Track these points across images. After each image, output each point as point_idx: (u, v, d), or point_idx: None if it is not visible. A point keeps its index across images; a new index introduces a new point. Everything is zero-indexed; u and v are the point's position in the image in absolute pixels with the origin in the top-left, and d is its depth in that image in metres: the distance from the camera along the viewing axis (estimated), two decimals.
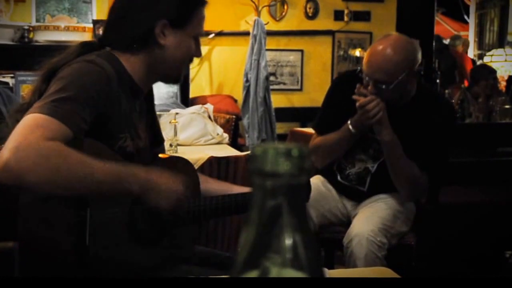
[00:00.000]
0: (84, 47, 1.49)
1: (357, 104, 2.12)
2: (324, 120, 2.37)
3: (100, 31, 4.85)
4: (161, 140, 1.74)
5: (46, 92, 1.35)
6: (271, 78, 5.72)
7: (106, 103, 1.38)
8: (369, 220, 2.13)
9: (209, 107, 3.33)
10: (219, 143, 3.18)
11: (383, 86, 2.10)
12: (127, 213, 1.41)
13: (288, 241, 0.46)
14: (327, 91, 2.46)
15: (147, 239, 1.44)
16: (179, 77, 1.55)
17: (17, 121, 1.29)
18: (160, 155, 1.65)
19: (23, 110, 1.35)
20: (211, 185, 1.67)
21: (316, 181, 2.39)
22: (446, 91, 4.77)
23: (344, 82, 2.32)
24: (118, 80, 1.43)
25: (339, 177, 2.34)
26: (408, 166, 2.14)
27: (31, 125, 1.25)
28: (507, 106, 4.22)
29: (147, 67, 1.49)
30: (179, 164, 1.58)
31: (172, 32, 1.47)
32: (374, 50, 2.13)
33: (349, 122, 2.20)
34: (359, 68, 2.24)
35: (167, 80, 1.57)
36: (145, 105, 1.60)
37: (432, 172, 2.20)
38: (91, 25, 4.89)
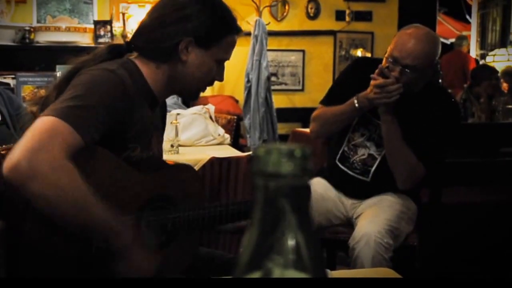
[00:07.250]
0: (112, 51, 1.49)
1: (376, 82, 2.15)
2: (333, 96, 2.40)
3: (101, 32, 4.85)
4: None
5: (64, 94, 1.34)
6: (273, 78, 5.72)
7: (122, 115, 1.37)
8: (375, 221, 2.12)
9: (211, 107, 3.33)
10: (220, 143, 3.17)
11: (407, 70, 2.14)
12: (134, 220, 1.40)
13: (291, 242, 0.46)
14: (343, 69, 2.52)
15: (154, 245, 1.44)
16: (197, 95, 1.58)
17: (32, 113, 1.28)
18: (167, 161, 1.63)
19: (40, 103, 1.36)
20: None
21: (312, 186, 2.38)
22: (449, 91, 4.77)
23: (363, 66, 2.35)
24: (136, 92, 1.42)
25: (343, 167, 2.34)
26: (405, 150, 2.18)
27: (47, 129, 1.23)
28: (509, 106, 4.22)
29: (167, 79, 1.50)
30: (184, 173, 1.58)
31: (196, 50, 1.47)
32: (406, 37, 2.16)
33: (355, 97, 2.23)
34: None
35: (184, 95, 1.58)
36: (160, 118, 1.61)
37: (428, 163, 2.22)
38: (92, 26, 4.89)
